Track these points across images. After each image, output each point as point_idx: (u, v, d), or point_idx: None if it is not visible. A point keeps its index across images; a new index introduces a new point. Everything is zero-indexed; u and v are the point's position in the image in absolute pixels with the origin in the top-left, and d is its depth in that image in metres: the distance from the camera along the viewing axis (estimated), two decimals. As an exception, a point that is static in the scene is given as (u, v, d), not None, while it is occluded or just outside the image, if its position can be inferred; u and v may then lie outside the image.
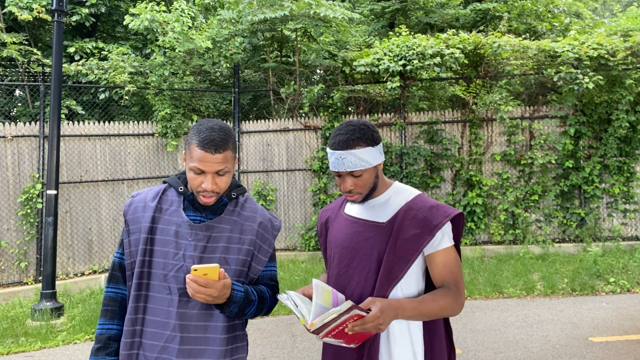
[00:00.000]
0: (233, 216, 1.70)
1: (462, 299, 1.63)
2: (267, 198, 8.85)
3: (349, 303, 1.38)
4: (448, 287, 1.62)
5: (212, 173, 1.57)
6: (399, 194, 1.73)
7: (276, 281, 1.81)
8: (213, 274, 1.47)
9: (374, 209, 1.73)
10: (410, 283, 1.66)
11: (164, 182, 1.75)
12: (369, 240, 1.68)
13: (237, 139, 8.95)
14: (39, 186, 7.28)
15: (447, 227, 1.65)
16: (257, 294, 1.66)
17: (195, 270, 1.46)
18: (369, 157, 1.62)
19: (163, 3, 9.08)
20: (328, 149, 1.68)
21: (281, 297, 1.58)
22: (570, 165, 8.29)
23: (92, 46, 9.98)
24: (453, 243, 1.67)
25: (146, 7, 8.38)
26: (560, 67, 7.89)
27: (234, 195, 1.73)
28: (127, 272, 1.65)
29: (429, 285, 1.75)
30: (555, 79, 7.90)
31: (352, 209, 1.80)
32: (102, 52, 9.64)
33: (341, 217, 1.82)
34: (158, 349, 1.58)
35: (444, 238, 1.64)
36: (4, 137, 7.24)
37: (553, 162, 8.41)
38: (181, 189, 1.69)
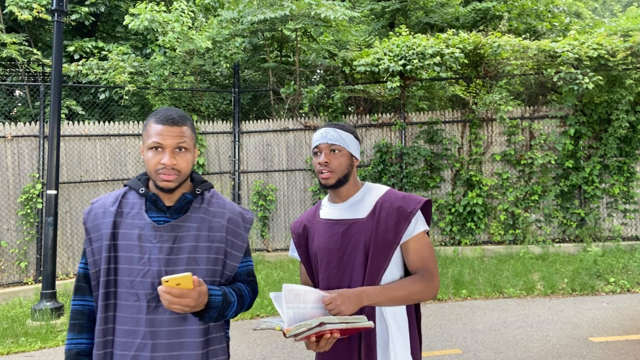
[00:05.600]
0: (199, 213, 1.63)
1: (434, 283, 1.74)
2: (267, 198, 8.85)
3: (319, 320, 1.45)
4: (420, 274, 1.74)
5: (170, 148, 1.54)
6: (371, 192, 1.85)
7: (254, 276, 1.77)
8: (187, 283, 1.40)
9: (351, 208, 1.82)
10: (393, 272, 1.76)
11: (125, 185, 1.69)
12: (353, 237, 1.77)
13: (237, 139, 8.95)
14: (39, 186, 7.28)
15: (420, 214, 1.80)
16: (235, 294, 1.62)
17: (166, 281, 1.38)
18: (349, 141, 1.80)
19: (163, 3, 9.08)
20: (316, 132, 1.83)
21: (274, 295, 1.58)
22: (570, 165, 8.29)
23: (92, 46, 9.98)
24: (427, 227, 1.79)
25: (146, 7, 8.38)
26: (560, 67, 7.89)
27: (198, 191, 1.66)
28: (92, 282, 1.58)
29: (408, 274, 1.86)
30: (555, 79, 7.90)
31: (329, 213, 1.86)
32: (102, 52, 9.63)
33: (319, 224, 1.87)
34: (129, 358, 1.51)
35: (417, 223, 1.77)
36: (4, 137, 7.24)
37: (553, 162, 8.41)
38: (142, 190, 1.62)
